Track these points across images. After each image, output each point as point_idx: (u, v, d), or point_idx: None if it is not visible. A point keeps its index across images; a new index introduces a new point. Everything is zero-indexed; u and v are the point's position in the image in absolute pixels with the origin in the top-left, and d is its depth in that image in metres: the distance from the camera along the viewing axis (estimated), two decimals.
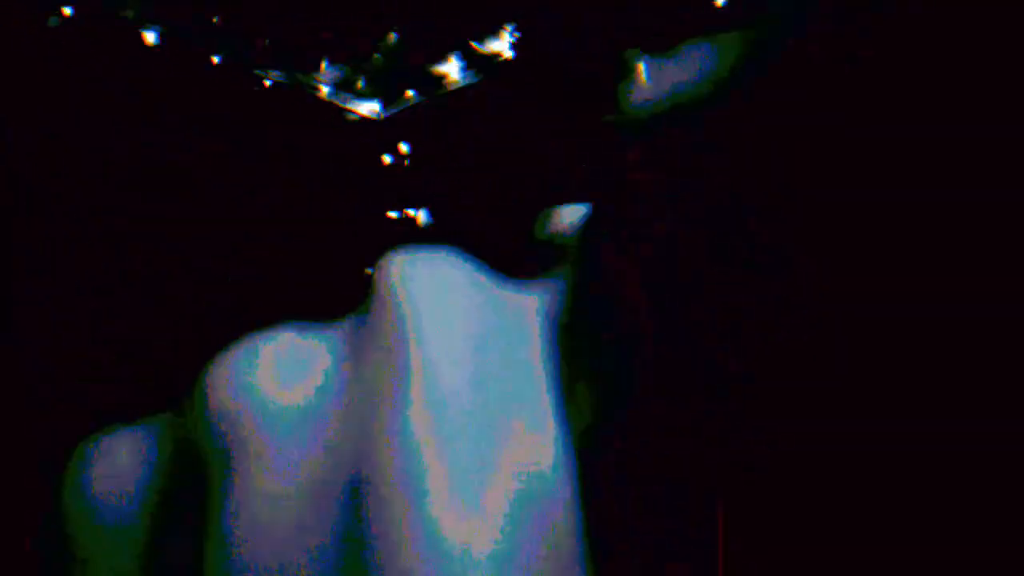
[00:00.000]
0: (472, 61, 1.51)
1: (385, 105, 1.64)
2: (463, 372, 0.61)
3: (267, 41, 1.45)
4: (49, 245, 1.36)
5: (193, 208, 1.44)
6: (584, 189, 0.74)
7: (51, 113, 1.31)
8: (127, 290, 1.35)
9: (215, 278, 1.51)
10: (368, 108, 1.65)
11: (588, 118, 0.75)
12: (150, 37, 1.30)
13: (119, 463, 0.71)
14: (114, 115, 1.37)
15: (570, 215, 0.70)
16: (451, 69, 1.56)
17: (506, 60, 1.29)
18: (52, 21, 1.24)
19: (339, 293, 1.57)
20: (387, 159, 1.58)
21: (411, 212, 1.56)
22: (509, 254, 0.81)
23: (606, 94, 0.74)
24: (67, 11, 1.23)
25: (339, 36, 1.53)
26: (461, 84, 1.53)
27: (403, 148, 1.65)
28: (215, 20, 1.39)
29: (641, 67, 0.72)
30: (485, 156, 1.13)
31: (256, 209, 1.52)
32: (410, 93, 1.64)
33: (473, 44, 1.47)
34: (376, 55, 1.54)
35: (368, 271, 1.60)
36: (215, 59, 1.44)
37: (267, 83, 1.49)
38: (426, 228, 1.47)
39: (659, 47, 0.73)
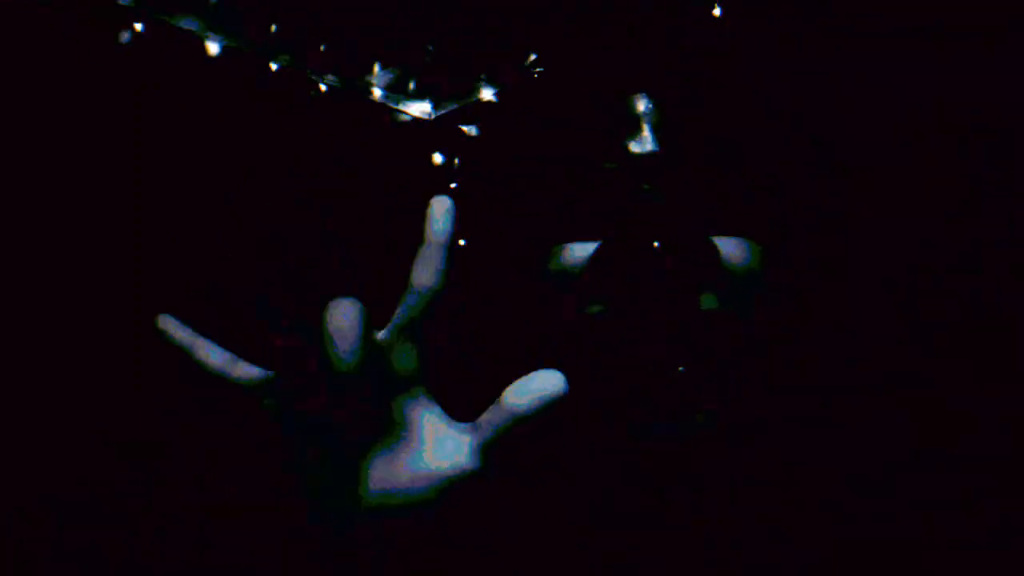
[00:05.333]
0: (521, 64, 1.55)
1: (436, 106, 1.69)
2: None
3: (322, 46, 1.51)
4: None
5: (243, 210, 1.51)
6: (592, 228, 0.79)
7: (116, 122, 1.38)
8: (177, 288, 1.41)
9: (268, 278, 1.58)
10: (419, 109, 1.70)
11: (592, 162, 0.79)
12: (213, 48, 1.37)
13: None
14: (171, 121, 1.44)
15: (580, 251, 0.76)
16: (501, 71, 1.61)
17: (552, 67, 1.33)
18: (124, 37, 1.31)
19: (387, 291, 1.63)
20: (437, 159, 1.63)
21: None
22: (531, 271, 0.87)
23: (609, 138, 0.78)
24: (138, 27, 1.30)
25: (390, 38, 1.57)
26: (510, 88, 1.57)
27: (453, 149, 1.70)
28: (272, 28, 1.45)
29: (644, 112, 0.77)
30: (524, 160, 1.17)
31: (307, 209, 1.58)
32: (462, 94, 1.69)
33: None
34: (427, 57, 1.58)
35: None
36: (272, 65, 1.50)
37: (321, 87, 1.55)
38: (473, 227, 1.52)
39: (663, 92, 0.77)
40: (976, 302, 0.87)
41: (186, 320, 0.99)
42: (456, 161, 1.57)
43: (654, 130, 0.76)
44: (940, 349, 0.87)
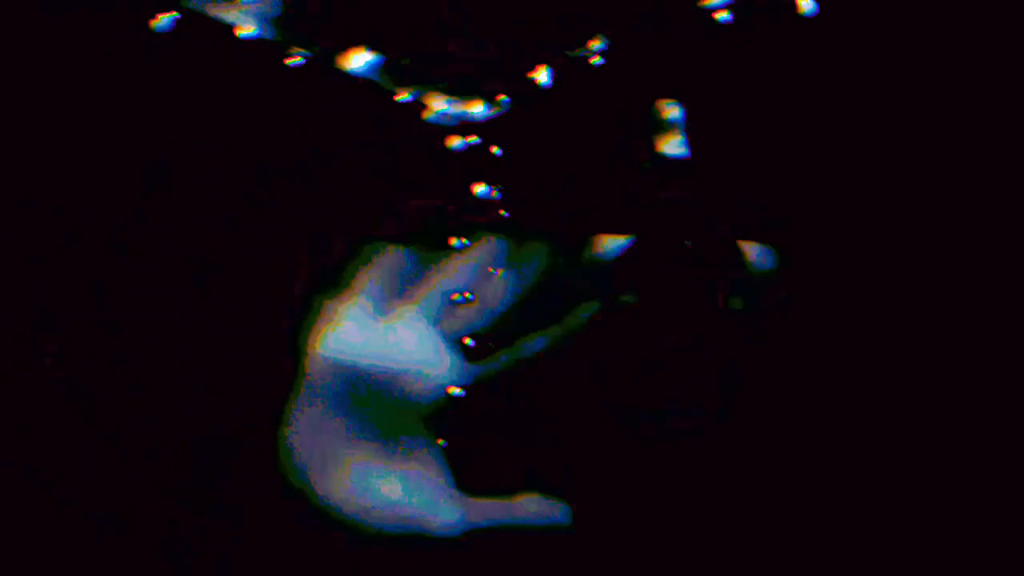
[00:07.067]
0: (564, 68, 1.59)
1: (477, 109, 1.72)
2: None
3: (366, 50, 1.54)
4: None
5: (282, 200, 1.53)
6: (627, 224, 0.84)
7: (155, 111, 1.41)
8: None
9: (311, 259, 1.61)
10: (454, 104, 1.73)
11: (626, 163, 0.85)
12: (244, 27, 1.39)
13: None
14: (204, 110, 1.47)
15: (614, 244, 0.82)
16: (542, 75, 1.64)
17: (597, 68, 1.37)
18: (160, 24, 1.35)
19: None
20: (477, 159, 1.67)
21: (501, 212, 1.65)
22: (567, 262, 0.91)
23: (642, 139, 0.83)
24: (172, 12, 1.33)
25: (433, 39, 1.61)
26: (550, 89, 1.61)
27: (494, 150, 1.74)
28: (301, 20, 1.49)
29: (675, 115, 0.82)
30: (563, 163, 1.22)
31: (348, 207, 1.61)
32: (502, 97, 1.72)
33: (567, 53, 1.56)
34: (470, 59, 1.62)
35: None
36: (298, 58, 1.54)
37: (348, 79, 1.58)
38: (510, 225, 1.55)
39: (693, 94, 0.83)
40: (980, 304, 0.89)
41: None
42: (497, 153, 1.61)
43: (687, 134, 0.82)
44: (941, 349, 0.90)
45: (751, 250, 0.83)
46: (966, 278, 0.93)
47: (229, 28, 1.44)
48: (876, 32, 1.03)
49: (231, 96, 1.49)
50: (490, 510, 0.86)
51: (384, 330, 0.89)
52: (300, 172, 1.57)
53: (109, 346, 1.24)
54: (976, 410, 0.90)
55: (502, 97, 1.65)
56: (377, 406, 0.88)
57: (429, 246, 1.50)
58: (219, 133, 1.47)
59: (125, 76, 1.33)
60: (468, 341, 1.19)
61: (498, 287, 0.92)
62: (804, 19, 0.98)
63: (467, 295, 1.06)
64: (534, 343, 0.82)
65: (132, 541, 1.20)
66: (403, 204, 1.67)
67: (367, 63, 1.62)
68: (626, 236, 0.84)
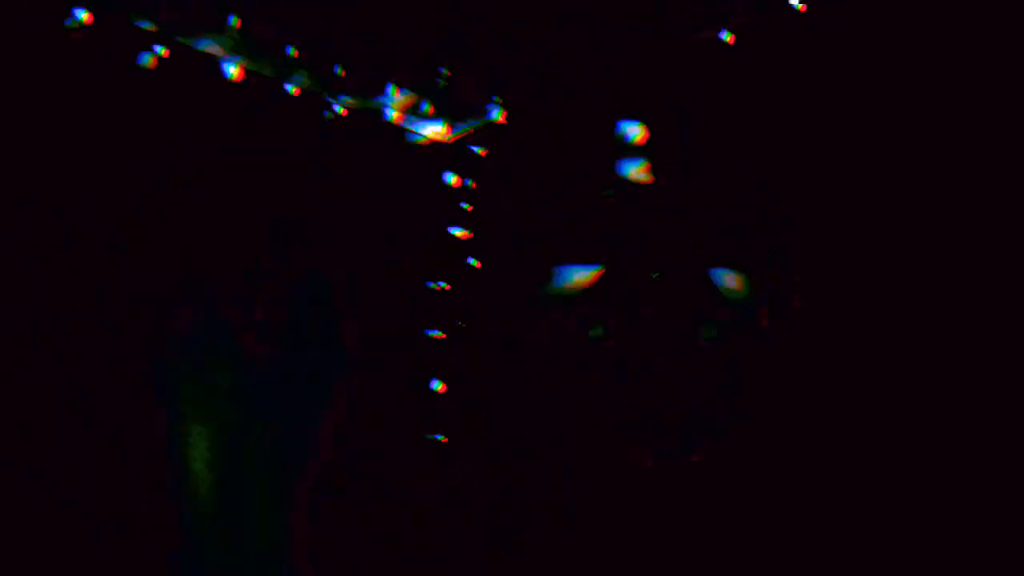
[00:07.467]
0: (539, 87, 1.63)
1: (451, 128, 1.76)
2: None
3: (340, 70, 1.57)
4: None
5: (263, 222, 1.54)
6: (594, 253, 0.86)
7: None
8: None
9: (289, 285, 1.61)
10: (435, 131, 1.77)
11: (594, 190, 0.88)
12: (231, 69, 1.42)
13: None
14: (195, 141, 1.48)
15: (581, 275, 0.85)
16: (523, 96, 1.69)
17: (575, 88, 1.42)
18: (145, 60, 1.35)
19: (402, 305, 1.67)
20: (453, 179, 1.70)
21: (471, 232, 1.67)
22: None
23: (605, 168, 0.87)
24: (160, 50, 1.33)
25: (407, 62, 1.64)
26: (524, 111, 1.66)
27: (467, 170, 1.78)
28: (293, 53, 1.52)
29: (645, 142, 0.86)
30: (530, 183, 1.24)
31: (326, 224, 1.63)
32: (475, 117, 1.76)
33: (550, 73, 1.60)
34: (442, 80, 1.65)
35: (430, 285, 1.71)
36: (289, 88, 1.56)
37: (340, 109, 1.61)
38: (482, 247, 1.58)
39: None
40: (979, 310, 0.94)
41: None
42: (469, 182, 1.64)
43: (655, 161, 0.85)
44: (938, 355, 0.94)
45: (724, 278, 0.86)
46: (965, 285, 0.97)
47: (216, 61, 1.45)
48: (872, 46, 1.06)
49: (220, 115, 1.49)
50: None
51: None
52: (270, 191, 1.58)
53: (109, 346, 1.23)
54: (975, 410, 0.94)
55: (481, 116, 1.70)
56: None
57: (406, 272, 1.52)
58: (211, 143, 1.47)
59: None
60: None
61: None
62: (800, 31, 1.01)
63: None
64: None
65: (132, 541, 1.19)
66: (376, 231, 1.68)
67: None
68: (594, 266, 0.85)
